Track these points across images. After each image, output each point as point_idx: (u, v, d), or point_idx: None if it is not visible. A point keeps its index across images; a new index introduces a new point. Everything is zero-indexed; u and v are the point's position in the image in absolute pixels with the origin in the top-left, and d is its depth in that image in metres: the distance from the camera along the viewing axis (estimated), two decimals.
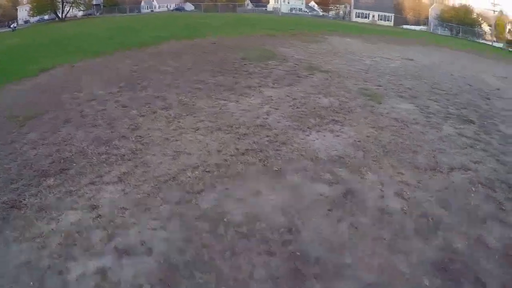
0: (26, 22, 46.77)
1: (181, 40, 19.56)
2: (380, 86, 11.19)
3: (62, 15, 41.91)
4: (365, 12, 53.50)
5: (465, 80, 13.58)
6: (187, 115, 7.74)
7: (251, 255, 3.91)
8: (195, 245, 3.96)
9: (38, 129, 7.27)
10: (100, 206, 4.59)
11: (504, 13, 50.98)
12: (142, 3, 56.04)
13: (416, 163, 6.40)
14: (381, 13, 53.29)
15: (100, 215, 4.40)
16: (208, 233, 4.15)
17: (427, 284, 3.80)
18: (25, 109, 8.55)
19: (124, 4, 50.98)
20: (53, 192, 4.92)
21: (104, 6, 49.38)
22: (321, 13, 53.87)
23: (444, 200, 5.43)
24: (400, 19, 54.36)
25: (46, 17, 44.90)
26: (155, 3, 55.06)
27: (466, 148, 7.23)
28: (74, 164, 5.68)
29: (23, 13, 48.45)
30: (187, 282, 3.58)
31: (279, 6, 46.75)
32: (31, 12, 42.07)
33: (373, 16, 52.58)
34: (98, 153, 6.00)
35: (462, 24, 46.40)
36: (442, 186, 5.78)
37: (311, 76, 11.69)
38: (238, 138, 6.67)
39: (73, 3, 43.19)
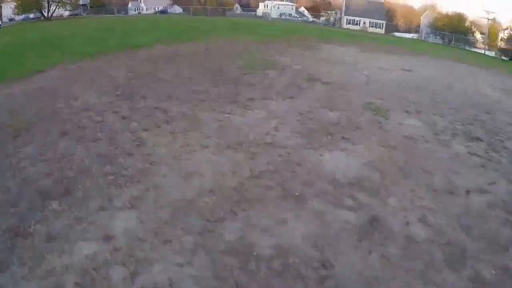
0: (11, 20, 45.28)
1: (172, 44, 19.19)
2: (383, 99, 11.09)
3: (48, 14, 40.69)
4: (356, 19, 53.80)
5: (465, 92, 13.75)
6: (192, 129, 7.40)
7: None
8: (229, 285, 3.64)
9: (35, 141, 6.78)
10: (115, 236, 4.21)
11: (496, 20, 51.88)
12: (130, 5, 55.16)
13: (433, 185, 6.31)
14: (372, 20, 53.70)
15: (117, 248, 4.01)
16: (239, 269, 3.84)
17: None
18: (17, 117, 8.01)
19: (111, 5, 49.99)
20: (60, 218, 4.51)
21: (91, 6, 48.30)
22: (311, 19, 54.04)
23: (466, 226, 5.33)
24: (391, 27, 54.90)
25: (31, 15, 43.63)
26: (142, 5, 54.27)
27: (478, 168, 7.20)
28: (79, 185, 5.27)
29: (7, 10, 46.90)
30: None
31: (269, 11, 46.63)
32: (16, 10, 40.63)
33: (364, 23, 52.98)
34: (104, 173, 5.59)
35: (455, 32, 47.00)
36: (461, 210, 5.69)
37: (313, 87, 11.53)
38: (251, 157, 6.39)
39: (59, 2, 42.05)
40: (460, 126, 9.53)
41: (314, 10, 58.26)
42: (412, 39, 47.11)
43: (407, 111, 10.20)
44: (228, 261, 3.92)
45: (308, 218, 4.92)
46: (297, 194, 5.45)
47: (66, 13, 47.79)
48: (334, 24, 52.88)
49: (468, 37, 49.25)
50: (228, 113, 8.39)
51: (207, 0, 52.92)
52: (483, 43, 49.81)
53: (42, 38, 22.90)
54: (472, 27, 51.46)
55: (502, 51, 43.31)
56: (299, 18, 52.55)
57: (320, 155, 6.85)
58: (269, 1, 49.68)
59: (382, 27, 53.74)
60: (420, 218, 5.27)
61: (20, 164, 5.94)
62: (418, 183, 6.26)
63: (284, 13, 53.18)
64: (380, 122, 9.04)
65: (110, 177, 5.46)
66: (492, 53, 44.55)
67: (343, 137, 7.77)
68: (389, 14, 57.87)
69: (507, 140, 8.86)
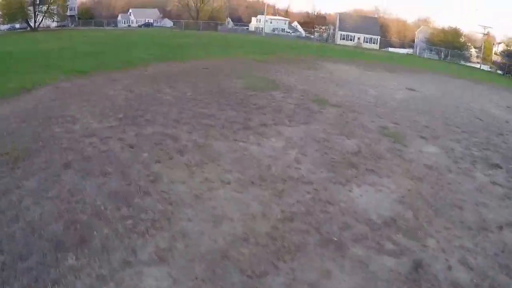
0: None
1: (168, 61, 18.79)
2: (396, 123, 10.91)
3: (34, 25, 39.77)
4: (350, 34, 54.36)
5: (472, 113, 13.81)
6: (208, 161, 6.86)
7: None
8: None
9: (35, 174, 6.09)
10: None
11: (490, 34, 53.12)
12: (119, 17, 54.72)
13: (466, 221, 5.97)
14: (366, 36, 54.36)
15: None
16: None
17: None
18: (12, 143, 7.26)
19: (101, 17, 49.48)
20: (80, 277, 3.89)
21: (79, 18, 47.68)
22: (304, 34, 54.50)
23: (505, 266, 4.96)
24: (385, 42, 55.70)
25: (17, 25, 42.64)
26: (132, 17, 53.88)
27: (504, 199, 6.92)
28: (95, 232, 4.65)
29: None
30: None
31: (263, 27, 46.82)
32: (1, 19, 39.60)
33: (358, 38, 53.58)
34: (121, 216, 4.99)
35: (451, 48, 47.87)
36: (498, 248, 5.36)
37: (323, 111, 11.20)
38: (278, 195, 5.89)
39: (46, 13, 41.23)
40: (476, 151, 9.39)
41: (308, 25, 58.72)
42: (407, 55, 47.89)
43: (423, 137, 10.02)
44: None
45: (353, 268, 4.46)
46: (335, 239, 4.99)
47: (54, 24, 46.96)
48: (327, 40, 53.38)
49: (463, 52, 50.30)
50: (243, 142, 7.90)
51: (199, 14, 52.85)
52: (477, 57, 50.79)
53: (28, 51, 22.12)
54: (467, 42, 52.56)
55: (498, 65, 44.20)
56: (292, 34, 52.97)
57: (349, 191, 6.43)
58: (261, 16, 49.98)
59: (377, 42, 54.46)
60: (461, 260, 4.92)
61: (23, 203, 5.29)
62: (451, 220, 5.96)
63: (277, 28, 53.56)
64: (400, 150, 8.78)
65: (129, 222, 4.86)
66: (486, 67, 45.50)
67: (367, 169, 7.42)
68: (382, 29, 58.81)
69: None
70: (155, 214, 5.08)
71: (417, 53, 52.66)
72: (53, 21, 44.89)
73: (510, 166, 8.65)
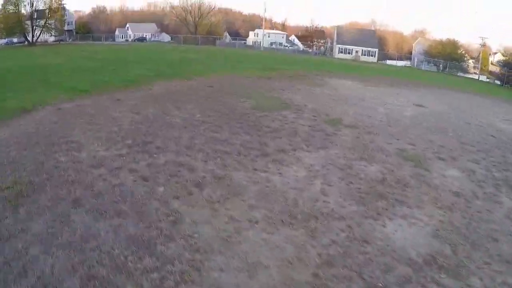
0: None
1: (171, 80, 18.40)
2: (413, 145, 10.58)
3: (32, 39, 39.35)
4: (348, 47, 54.45)
5: (483, 129, 13.72)
6: (231, 196, 6.36)
7: None
8: None
9: (41, 214, 5.51)
10: None
11: (487, 45, 53.38)
12: (117, 32, 54.57)
13: (503, 254, 5.67)
14: (364, 49, 54.45)
15: None
16: None
17: None
18: (14, 174, 6.69)
19: (98, 31, 49.29)
20: None
21: (77, 32, 47.43)
22: (301, 48, 54.55)
23: None
24: (383, 55, 55.85)
25: (15, 40, 42.22)
26: (129, 32, 53.76)
27: None
28: None
29: None
30: None
31: (261, 41, 46.80)
32: None
33: (356, 51, 53.66)
34: (145, 269, 4.45)
35: (449, 59, 47.97)
36: None
37: (339, 132, 10.81)
38: (311, 235, 5.42)
39: (43, 27, 40.85)
40: (496, 173, 9.15)
41: (306, 38, 58.77)
42: (405, 67, 47.92)
43: (441, 158, 9.70)
44: None
45: None
46: (381, 285, 4.52)
47: (51, 39, 46.61)
48: (324, 53, 53.41)
49: (461, 63, 50.47)
50: (264, 172, 7.43)
51: (197, 29, 52.81)
52: (474, 68, 50.96)
53: (27, 66, 21.61)
54: (465, 54, 52.76)
55: (496, 76, 44.28)
56: (289, 47, 52.96)
57: (383, 226, 6.02)
58: (259, 30, 49.99)
59: (375, 55, 54.56)
60: None
61: (30, 252, 4.74)
62: (488, 253, 5.66)
63: (275, 42, 53.56)
64: (423, 176, 8.40)
65: (155, 276, 4.33)
66: (484, 78, 45.59)
67: (396, 200, 7.01)
68: (380, 42, 59.07)
69: None
70: (183, 264, 4.56)
71: (415, 65, 52.83)
72: (51, 35, 44.57)
73: None
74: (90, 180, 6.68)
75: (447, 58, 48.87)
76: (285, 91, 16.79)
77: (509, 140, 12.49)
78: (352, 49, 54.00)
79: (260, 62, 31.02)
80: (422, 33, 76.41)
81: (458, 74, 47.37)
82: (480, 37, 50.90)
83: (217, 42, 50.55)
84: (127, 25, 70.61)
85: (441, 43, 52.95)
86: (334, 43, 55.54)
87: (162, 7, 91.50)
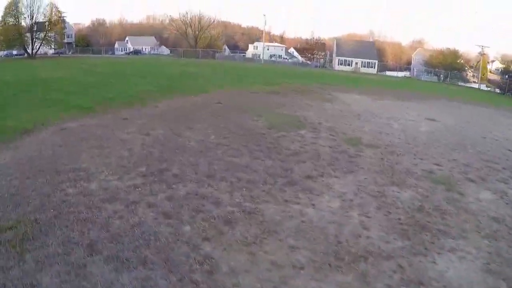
0: None
1: (176, 95, 17.90)
2: (438, 165, 10.12)
3: (32, 51, 38.88)
4: (347, 59, 54.26)
5: (500, 143, 13.50)
6: (267, 235, 5.73)
7: None
8: None
9: (52, 264, 4.69)
10: None
11: (485, 53, 53.45)
12: (116, 45, 54.26)
13: None
14: (364, 60, 54.33)
15: None
16: None
17: None
18: (16, 211, 5.92)
19: (98, 44, 48.98)
20: None
21: (76, 45, 47.10)
22: (301, 60, 54.38)
23: None
24: (382, 66, 55.78)
25: (14, 52, 41.73)
26: (129, 45, 53.47)
27: None
28: None
29: None
30: None
31: (260, 53, 46.58)
32: None
33: (356, 63, 53.52)
34: None
35: (449, 69, 47.86)
36: None
37: (361, 153, 10.30)
38: (363, 280, 4.85)
39: (43, 40, 40.42)
40: None
41: (307, 51, 58.47)
42: (406, 78, 47.75)
43: (470, 179, 9.24)
44: None
45: None
46: None
47: (51, 51, 46.19)
48: (324, 66, 53.21)
49: (462, 73, 50.42)
50: (296, 203, 6.84)
51: (198, 42, 52.57)
52: (473, 76, 50.86)
53: (27, 80, 20.97)
54: (465, 63, 52.71)
55: (497, 84, 44.18)
56: (289, 60, 52.75)
57: (433, 262, 5.48)
58: (258, 43, 49.81)
59: (375, 66, 54.43)
60: None
61: None
62: None
63: (274, 55, 53.36)
64: (458, 200, 7.90)
65: None
66: (484, 86, 45.47)
67: (439, 231, 6.48)
68: (379, 53, 59.09)
69: None
70: None
71: (415, 75, 52.77)
72: (51, 48, 44.15)
73: None
74: (104, 218, 5.91)
75: (448, 68, 48.83)
76: (295, 107, 16.31)
77: None
78: (351, 61, 53.78)
79: (263, 76, 30.67)
80: (420, 43, 76.80)
81: (459, 84, 47.29)
82: (479, 45, 50.83)
83: (217, 55, 50.24)
84: (127, 38, 70.28)
85: (441, 52, 52.90)
86: (334, 55, 55.43)
87: (161, 20, 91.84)
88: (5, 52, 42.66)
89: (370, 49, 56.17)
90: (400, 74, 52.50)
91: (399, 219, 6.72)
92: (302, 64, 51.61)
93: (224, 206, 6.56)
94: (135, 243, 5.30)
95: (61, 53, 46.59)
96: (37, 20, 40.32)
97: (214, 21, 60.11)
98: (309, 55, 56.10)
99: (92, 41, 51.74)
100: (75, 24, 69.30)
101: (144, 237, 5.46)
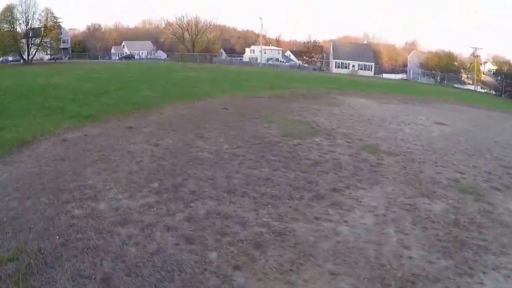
0: None
1: (180, 101, 17.37)
2: (461, 173, 9.76)
3: (28, 57, 38.26)
4: (344, 62, 54.05)
5: None
6: (303, 261, 5.21)
7: None
8: None
9: None
10: None
11: (478, 55, 53.58)
12: (113, 50, 53.66)
13: None
14: (360, 63, 54.18)
15: None
16: None
17: None
18: (17, 238, 5.26)
19: (94, 49, 48.41)
20: None
21: (73, 51, 46.51)
22: (298, 64, 54.06)
23: None
24: (378, 68, 55.74)
25: (10, 58, 41.07)
26: (126, 50, 52.88)
27: None
28: None
29: None
30: None
31: (257, 57, 46.22)
32: None
33: (353, 66, 53.35)
34: None
35: (446, 71, 47.90)
36: None
37: (383, 162, 9.88)
38: None
39: (39, 46, 39.81)
40: None
41: (304, 54, 58.14)
42: (403, 81, 47.65)
43: (496, 188, 8.83)
44: None
45: None
46: None
47: (47, 57, 45.57)
48: (321, 69, 52.92)
49: (458, 75, 50.54)
50: (328, 221, 6.37)
51: (195, 46, 52.06)
52: (467, 78, 50.95)
53: (23, 88, 20.26)
54: (459, 65, 52.87)
55: (493, 86, 44.35)
56: (286, 63, 52.37)
57: (481, 283, 5.07)
58: (255, 46, 49.43)
59: (371, 69, 54.34)
60: None
61: None
62: None
63: (271, 58, 52.99)
64: (490, 212, 7.48)
65: None
66: (480, 88, 45.62)
67: (479, 247, 6.05)
68: (375, 55, 59.05)
69: None
70: None
71: (411, 77, 52.73)
72: (47, 53, 43.55)
73: None
74: (118, 246, 5.26)
75: (444, 70, 48.89)
76: (304, 112, 15.89)
77: None
78: (348, 64, 53.54)
79: (264, 79, 30.28)
80: (413, 45, 77.01)
81: (456, 86, 47.34)
82: (473, 47, 50.94)
83: (214, 59, 49.73)
84: (123, 43, 69.60)
85: (437, 55, 53.00)
86: (331, 58, 55.24)
87: (157, 24, 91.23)
88: (1, 59, 42.06)
89: (366, 51, 56.05)
90: (397, 76, 52.42)
91: (437, 235, 6.30)
92: (299, 67, 51.21)
93: (250, 226, 6.04)
94: (156, 276, 4.69)
95: (57, 58, 45.90)
96: (32, 26, 39.78)
97: (211, 25, 59.84)
98: (307, 58, 55.71)
99: (88, 46, 51.10)
100: (70, 29, 68.42)
101: (166, 268, 4.86)
